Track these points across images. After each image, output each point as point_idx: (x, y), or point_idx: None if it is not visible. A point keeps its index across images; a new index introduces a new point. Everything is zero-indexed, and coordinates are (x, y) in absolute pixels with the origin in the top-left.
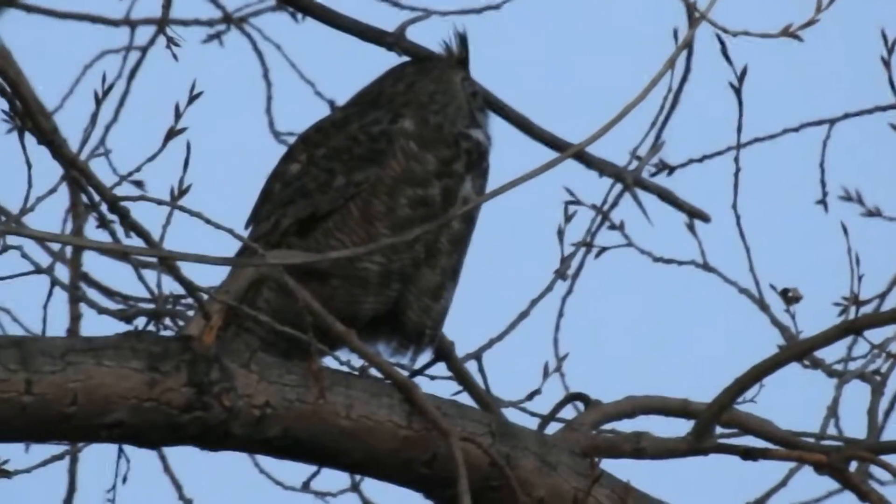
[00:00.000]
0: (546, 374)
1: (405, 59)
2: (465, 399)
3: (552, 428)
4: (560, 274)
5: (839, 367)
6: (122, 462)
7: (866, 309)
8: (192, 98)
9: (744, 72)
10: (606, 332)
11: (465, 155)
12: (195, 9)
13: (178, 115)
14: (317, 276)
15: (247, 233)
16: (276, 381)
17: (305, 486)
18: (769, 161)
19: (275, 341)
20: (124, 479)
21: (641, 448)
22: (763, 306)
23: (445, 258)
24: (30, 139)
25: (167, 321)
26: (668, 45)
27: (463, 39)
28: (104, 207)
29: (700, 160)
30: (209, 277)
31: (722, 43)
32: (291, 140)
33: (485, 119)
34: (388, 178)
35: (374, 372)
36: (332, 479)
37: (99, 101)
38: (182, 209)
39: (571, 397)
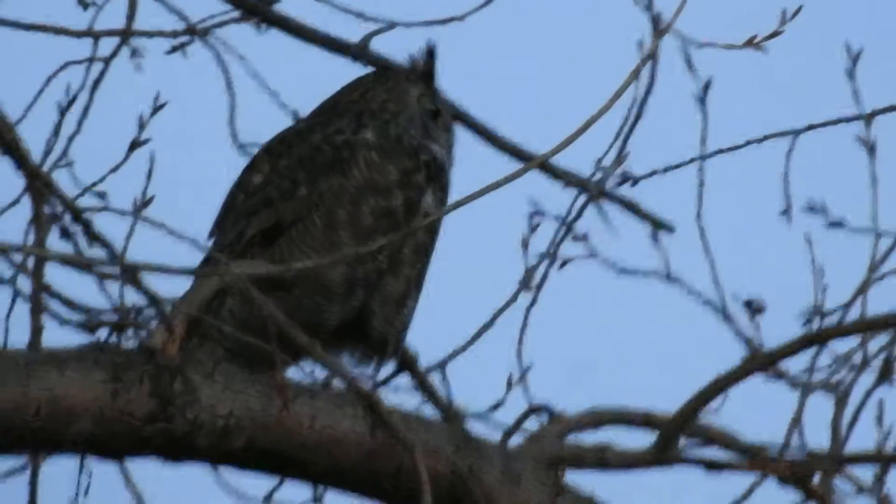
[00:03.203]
0: (509, 386)
1: (369, 69)
2: (429, 410)
3: (516, 440)
4: (524, 285)
5: (803, 377)
6: (84, 477)
7: (830, 320)
8: (156, 109)
9: (708, 84)
10: (570, 343)
11: (425, 167)
12: (159, 20)
13: (141, 127)
14: (281, 285)
15: (210, 243)
16: (241, 391)
17: (267, 500)
18: (733, 173)
19: (239, 352)
20: (86, 492)
21: (605, 459)
22: (727, 317)
23: (409, 268)
24: None
25: (130, 332)
26: (633, 57)
27: (431, 54)
28: (67, 218)
29: (664, 171)
30: (172, 288)
31: (687, 54)
32: (255, 151)
33: (449, 137)
34: (351, 188)
35: (337, 383)
36: (296, 492)
37: (62, 113)
38: (145, 220)
39: (535, 409)
